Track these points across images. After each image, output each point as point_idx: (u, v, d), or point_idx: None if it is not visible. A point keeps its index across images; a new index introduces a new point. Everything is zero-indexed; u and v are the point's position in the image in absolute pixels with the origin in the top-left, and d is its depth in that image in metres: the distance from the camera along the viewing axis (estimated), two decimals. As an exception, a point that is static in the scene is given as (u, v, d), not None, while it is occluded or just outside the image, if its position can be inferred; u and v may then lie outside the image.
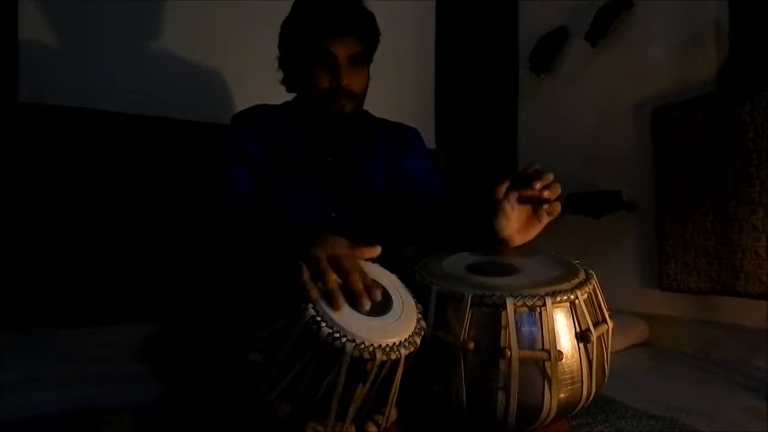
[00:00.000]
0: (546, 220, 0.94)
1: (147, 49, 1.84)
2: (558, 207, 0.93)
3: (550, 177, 0.91)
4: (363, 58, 1.17)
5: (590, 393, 0.85)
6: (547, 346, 0.80)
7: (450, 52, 2.49)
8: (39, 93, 1.63)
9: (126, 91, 1.78)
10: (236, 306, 0.94)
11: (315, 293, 0.71)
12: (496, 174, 0.95)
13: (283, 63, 1.24)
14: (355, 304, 0.73)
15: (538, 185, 0.90)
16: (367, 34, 1.16)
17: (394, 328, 0.74)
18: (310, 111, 1.20)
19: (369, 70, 1.21)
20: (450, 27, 2.49)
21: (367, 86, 1.21)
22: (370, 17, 1.18)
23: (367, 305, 0.73)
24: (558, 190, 0.91)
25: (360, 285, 0.73)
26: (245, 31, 1.96)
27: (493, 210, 0.94)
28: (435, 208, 1.21)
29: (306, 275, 0.72)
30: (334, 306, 0.71)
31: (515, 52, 2.63)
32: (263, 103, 1.29)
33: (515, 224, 0.95)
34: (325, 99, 1.14)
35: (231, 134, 1.21)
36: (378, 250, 0.82)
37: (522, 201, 0.93)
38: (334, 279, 0.72)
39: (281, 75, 1.26)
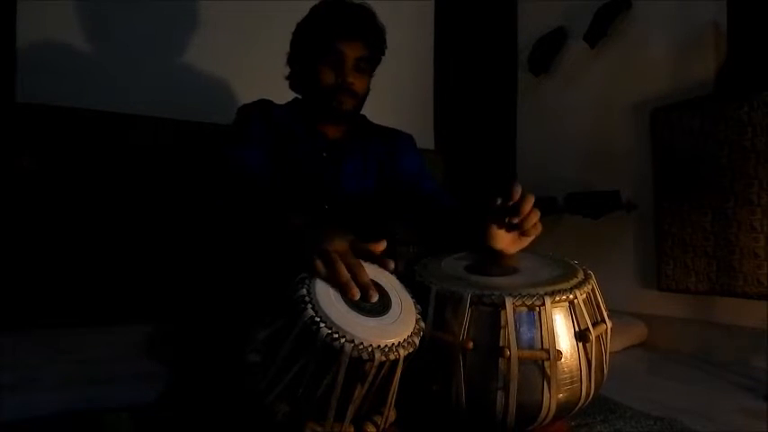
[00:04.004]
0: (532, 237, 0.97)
1: (147, 50, 1.84)
2: (538, 229, 0.95)
3: (527, 208, 0.92)
4: (368, 64, 1.24)
5: (589, 393, 0.86)
6: (546, 346, 0.80)
7: (449, 53, 2.50)
8: (37, 93, 1.63)
9: (126, 91, 1.78)
10: (234, 306, 0.94)
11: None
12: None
13: (293, 59, 1.30)
14: (359, 302, 0.74)
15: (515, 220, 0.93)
16: (374, 43, 1.23)
17: (393, 329, 0.74)
18: (312, 106, 1.25)
19: (370, 80, 1.28)
20: (449, 28, 2.49)
21: (367, 94, 1.28)
22: (381, 31, 1.25)
23: (374, 297, 0.76)
24: (534, 218, 0.93)
25: (367, 279, 0.77)
26: (248, 32, 1.96)
27: (483, 234, 0.98)
28: (430, 202, 1.26)
29: (321, 267, 0.76)
30: (350, 294, 0.74)
31: (514, 53, 2.63)
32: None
33: (507, 239, 0.98)
34: (329, 95, 1.20)
35: (241, 119, 1.25)
36: (383, 245, 0.83)
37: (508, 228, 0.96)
38: (345, 272, 0.76)
39: (287, 71, 1.32)
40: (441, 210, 1.22)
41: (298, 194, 1.21)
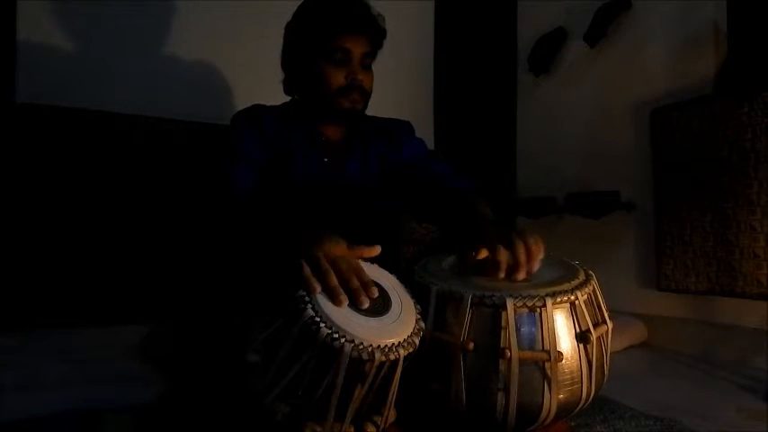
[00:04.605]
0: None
1: (146, 50, 1.84)
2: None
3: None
4: (372, 59, 1.21)
5: (589, 394, 0.86)
6: (547, 347, 0.80)
7: (449, 53, 2.49)
8: (37, 93, 1.63)
9: (125, 91, 1.78)
10: (233, 307, 0.94)
11: (317, 287, 0.74)
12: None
13: (289, 63, 1.25)
14: (354, 303, 0.74)
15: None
16: (377, 35, 1.20)
17: (393, 329, 0.74)
18: (316, 108, 1.22)
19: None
20: (449, 28, 2.49)
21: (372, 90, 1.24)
22: (380, 18, 1.21)
23: (365, 303, 0.76)
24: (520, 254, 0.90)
25: (356, 284, 0.76)
26: (246, 32, 1.96)
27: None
28: (441, 183, 1.23)
29: (307, 270, 0.75)
30: (337, 301, 0.73)
31: (514, 53, 2.63)
32: (261, 103, 1.30)
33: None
34: (338, 95, 1.16)
35: (233, 133, 1.23)
36: (377, 250, 0.84)
37: None
38: (334, 277, 0.75)
39: (281, 75, 1.28)
40: (449, 192, 1.19)
41: (300, 200, 1.20)
